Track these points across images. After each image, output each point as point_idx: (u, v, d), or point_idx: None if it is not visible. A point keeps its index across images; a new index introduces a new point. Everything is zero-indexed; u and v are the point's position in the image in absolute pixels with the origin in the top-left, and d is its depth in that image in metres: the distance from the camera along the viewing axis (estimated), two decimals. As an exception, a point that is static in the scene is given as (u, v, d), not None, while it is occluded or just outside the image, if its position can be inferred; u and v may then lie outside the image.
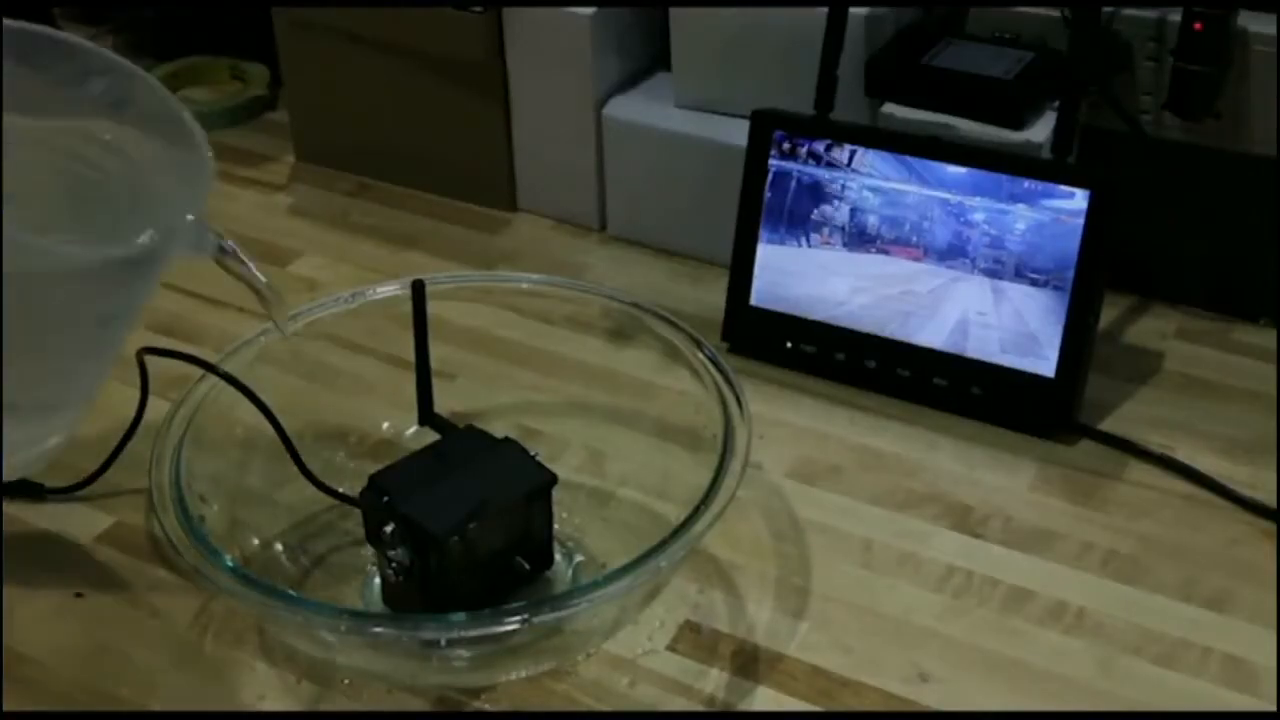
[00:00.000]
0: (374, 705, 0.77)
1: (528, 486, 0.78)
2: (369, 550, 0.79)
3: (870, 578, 0.84)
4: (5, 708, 0.77)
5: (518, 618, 0.69)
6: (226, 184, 1.25)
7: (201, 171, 0.75)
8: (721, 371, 0.82)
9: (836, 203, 0.98)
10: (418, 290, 0.84)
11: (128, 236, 0.72)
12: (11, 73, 0.71)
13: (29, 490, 0.90)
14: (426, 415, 0.84)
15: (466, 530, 0.75)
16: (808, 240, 0.99)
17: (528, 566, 0.78)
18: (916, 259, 0.96)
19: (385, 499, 0.77)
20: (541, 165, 1.19)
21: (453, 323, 0.92)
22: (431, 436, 0.82)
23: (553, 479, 0.79)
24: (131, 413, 0.88)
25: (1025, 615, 0.81)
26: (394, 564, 0.77)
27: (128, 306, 0.75)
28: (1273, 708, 0.76)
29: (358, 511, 0.79)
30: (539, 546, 0.80)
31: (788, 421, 0.96)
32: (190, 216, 0.74)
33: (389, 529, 0.76)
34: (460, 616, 0.74)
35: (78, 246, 0.70)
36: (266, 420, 0.82)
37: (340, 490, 0.83)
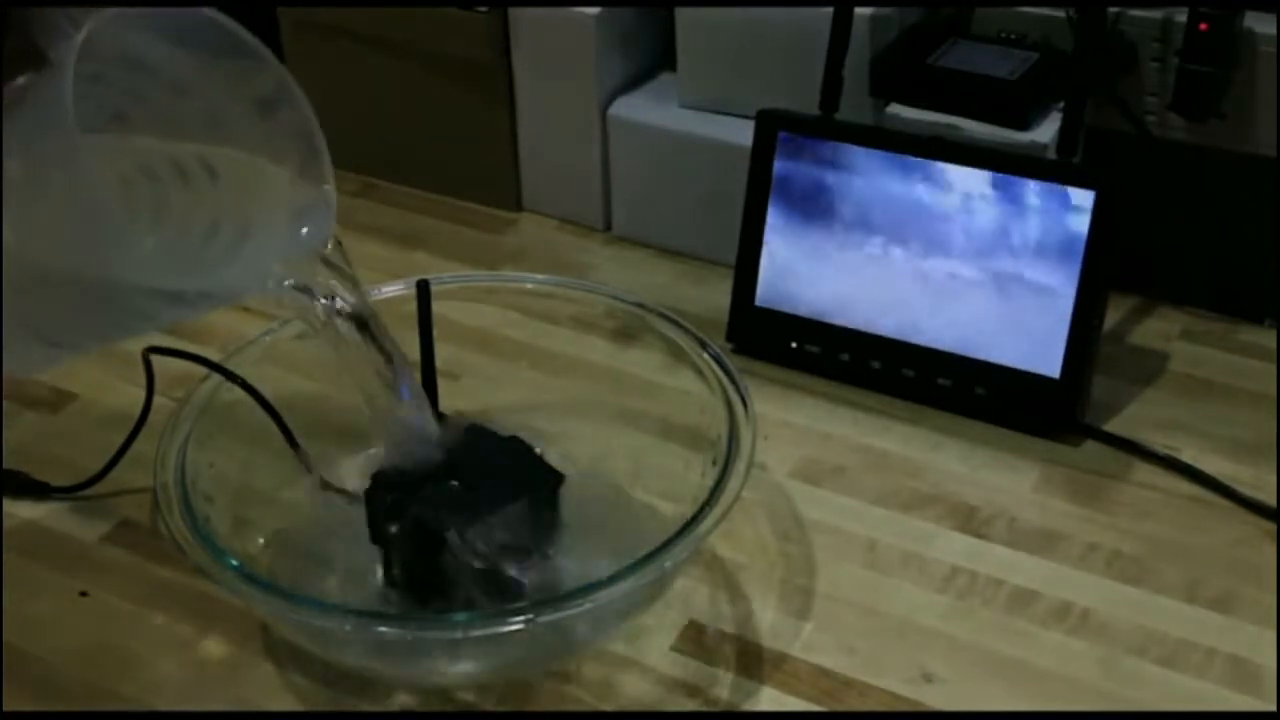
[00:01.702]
0: (376, 705, 0.77)
1: (535, 485, 0.78)
2: (374, 549, 0.79)
3: (874, 578, 0.84)
4: (8, 707, 0.77)
5: (521, 617, 0.69)
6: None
7: (322, 221, 0.74)
8: (726, 372, 0.82)
9: (841, 203, 0.98)
10: (422, 290, 0.84)
11: (217, 270, 0.72)
12: (171, 56, 0.70)
13: (34, 489, 0.90)
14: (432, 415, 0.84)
15: (472, 528, 0.75)
16: (812, 241, 0.99)
17: (532, 565, 0.78)
18: (921, 260, 0.96)
19: (390, 497, 0.77)
20: (546, 165, 1.19)
21: (457, 322, 0.92)
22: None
23: (560, 477, 0.79)
24: (136, 412, 0.88)
25: (1029, 616, 0.81)
26: (399, 562, 0.77)
27: (173, 317, 0.75)
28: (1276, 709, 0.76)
29: (363, 510, 0.79)
30: (545, 545, 0.79)
31: (792, 422, 0.96)
32: (288, 281, 0.72)
33: (394, 528, 0.77)
34: (463, 616, 0.74)
35: (173, 275, 0.68)
36: (271, 419, 0.82)
37: (345, 489, 0.83)
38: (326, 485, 0.83)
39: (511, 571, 0.76)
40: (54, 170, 0.65)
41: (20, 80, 0.65)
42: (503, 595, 0.76)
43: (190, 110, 0.73)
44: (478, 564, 0.75)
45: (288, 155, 0.74)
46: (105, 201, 0.63)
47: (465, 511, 0.76)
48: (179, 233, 0.73)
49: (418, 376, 0.80)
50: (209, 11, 0.69)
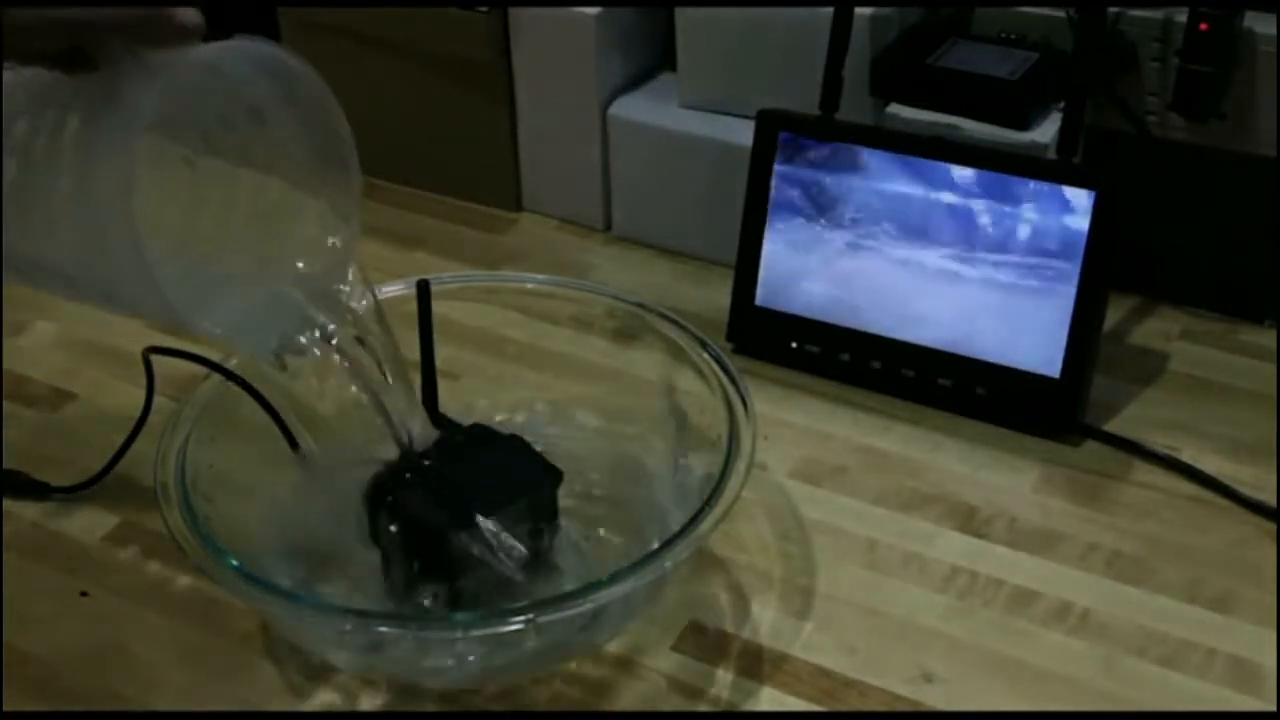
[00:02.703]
0: (376, 705, 0.77)
1: (535, 483, 0.78)
2: (375, 549, 0.79)
3: (875, 578, 0.84)
4: (8, 707, 0.77)
5: (521, 618, 0.69)
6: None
7: (342, 261, 0.74)
8: (726, 372, 0.82)
9: (841, 203, 0.98)
10: (423, 291, 0.84)
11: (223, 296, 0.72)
12: None
13: (35, 489, 0.90)
14: (432, 416, 0.84)
15: (474, 528, 0.75)
16: (813, 241, 0.99)
17: (533, 564, 0.78)
18: (921, 260, 0.96)
19: (392, 498, 0.77)
20: (546, 165, 1.19)
21: (458, 323, 0.92)
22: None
23: (560, 475, 0.79)
24: (136, 412, 0.88)
25: (1030, 616, 0.81)
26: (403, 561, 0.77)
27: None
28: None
29: (363, 509, 0.79)
30: (545, 544, 0.80)
31: (792, 422, 0.96)
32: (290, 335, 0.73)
33: (395, 529, 0.77)
34: (463, 616, 0.74)
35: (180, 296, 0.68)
36: (271, 419, 0.82)
37: (345, 488, 0.83)
38: (326, 485, 0.83)
39: (512, 570, 0.77)
40: (97, 168, 0.65)
41: (47, 75, 0.65)
42: (504, 595, 0.76)
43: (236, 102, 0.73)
44: (479, 563, 0.75)
45: (320, 178, 0.74)
46: (132, 214, 0.63)
47: (467, 511, 0.76)
48: (196, 232, 0.73)
49: (416, 381, 0.80)
50: (272, 47, 0.70)
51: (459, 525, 0.75)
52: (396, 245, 1.17)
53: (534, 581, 0.77)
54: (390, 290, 0.88)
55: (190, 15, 0.66)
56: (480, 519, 0.75)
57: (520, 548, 0.75)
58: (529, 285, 0.94)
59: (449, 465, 0.78)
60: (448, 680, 0.78)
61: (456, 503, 0.76)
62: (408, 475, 0.77)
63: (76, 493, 0.90)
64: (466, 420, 0.84)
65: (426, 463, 0.79)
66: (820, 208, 0.98)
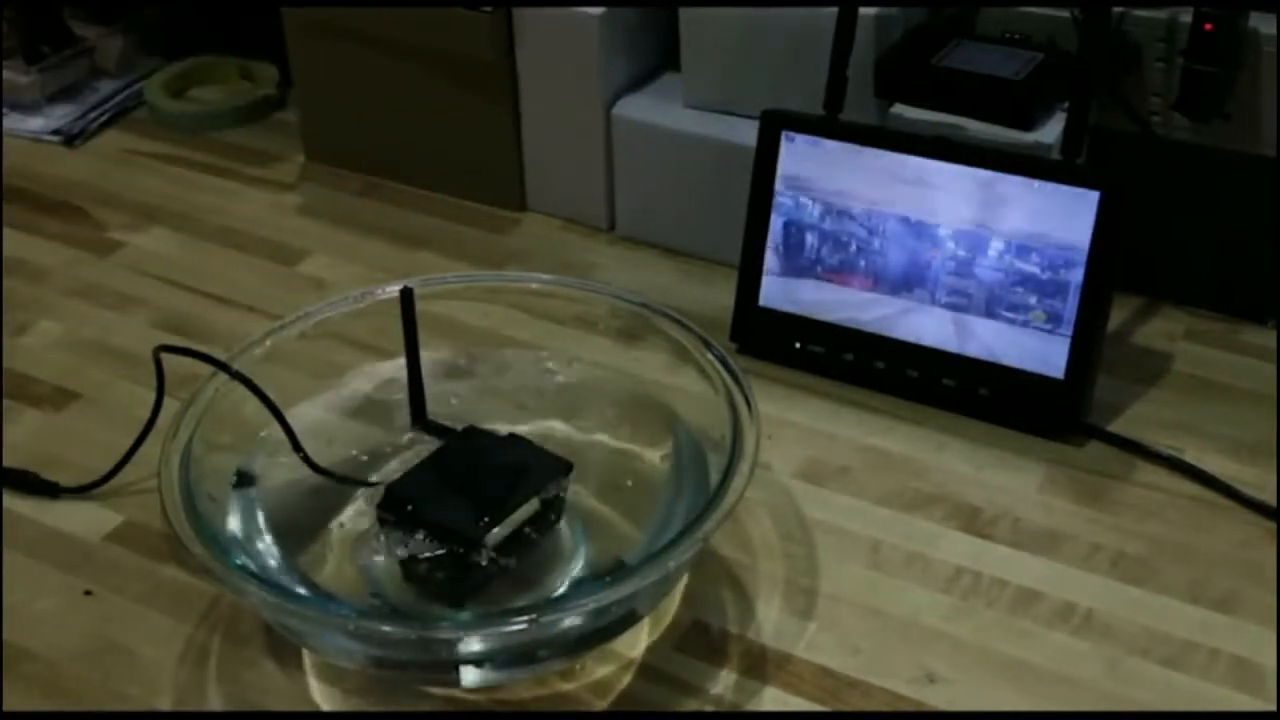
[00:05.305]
0: (377, 705, 0.77)
1: (544, 477, 0.79)
2: (376, 548, 0.79)
3: (878, 578, 0.84)
4: (8, 706, 0.77)
5: (524, 618, 0.69)
6: (235, 183, 1.25)
7: None
8: (730, 372, 0.82)
9: (845, 204, 0.97)
10: (406, 298, 0.84)
11: None
12: None
13: (45, 489, 0.90)
14: (419, 420, 0.84)
15: (501, 526, 0.75)
16: (816, 241, 0.99)
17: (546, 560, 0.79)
18: (925, 260, 0.96)
19: (410, 508, 0.77)
20: (551, 165, 1.19)
21: (462, 322, 0.93)
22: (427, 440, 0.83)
23: (569, 465, 0.79)
24: (138, 411, 0.88)
25: (1033, 616, 0.81)
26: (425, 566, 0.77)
27: None
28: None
29: (365, 511, 0.80)
30: (557, 538, 0.80)
31: (796, 422, 0.96)
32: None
33: (420, 535, 0.77)
34: (467, 616, 0.74)
35: None
36: (274, 418, 0.82)
37: (346, 483, 0.83)
38: (329, 474, 0.83)
39: (526, 566, 0.77)
40: None
41: None
42: (520, 591, 0.76)
43: None
44: (499, 562, 0.76)
45: None
46: None
47: (489, 510, 0.76)
48: None
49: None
50: None
51: (487, 527, 0.75)
52: (400, 245, 1.17)
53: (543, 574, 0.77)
54: (393, 290, 0.88)
55: None
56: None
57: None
58: (533, 285, 0.94)
59: (458, 469, 0.79)
60: (449, 680, 0.78)
61: (479, 503, 0.76)
62: (421, 483, 0.78)
63: (85, 492, 0.90)
64: (462, 425, 0.84)
65: (439, 467, 0.79)
66: (823, 208, 0.98)
